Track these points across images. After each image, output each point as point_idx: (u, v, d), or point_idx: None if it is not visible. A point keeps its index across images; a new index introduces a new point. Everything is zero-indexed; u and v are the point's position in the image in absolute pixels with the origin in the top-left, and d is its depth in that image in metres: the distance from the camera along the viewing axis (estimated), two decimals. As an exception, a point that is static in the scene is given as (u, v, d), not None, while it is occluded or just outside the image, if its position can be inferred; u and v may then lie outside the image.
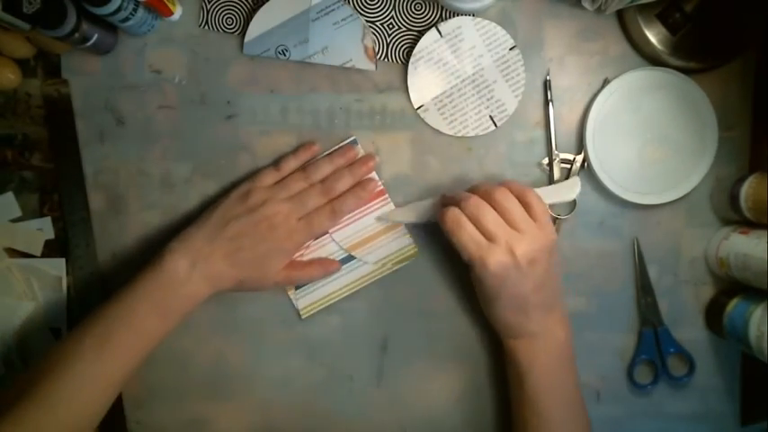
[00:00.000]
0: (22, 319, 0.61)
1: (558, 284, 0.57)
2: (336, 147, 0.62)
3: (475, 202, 0.54)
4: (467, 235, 0.53)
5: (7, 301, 0.61)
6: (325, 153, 0.62)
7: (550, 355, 0.56)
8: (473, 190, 0.56)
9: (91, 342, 0.53)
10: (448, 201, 0.57)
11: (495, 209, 0.53)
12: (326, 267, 0.61)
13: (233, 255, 0.56)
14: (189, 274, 0.55)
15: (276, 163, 0.61)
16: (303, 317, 0.63)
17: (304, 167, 0.61)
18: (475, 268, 0.54)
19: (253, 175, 0.60)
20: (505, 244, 0.53)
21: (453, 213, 0.54)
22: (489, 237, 0.53)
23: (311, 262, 0.61)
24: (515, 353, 0.56)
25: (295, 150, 0.61)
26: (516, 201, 0.54)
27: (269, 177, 0.59)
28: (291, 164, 0.60)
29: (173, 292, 0.55)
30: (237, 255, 0.56)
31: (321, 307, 0.63)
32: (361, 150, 0.62)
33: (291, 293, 0.62)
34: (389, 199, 0.62)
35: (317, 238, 0.62)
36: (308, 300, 0.62)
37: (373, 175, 0.62)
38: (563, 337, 0.57)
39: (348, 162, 0.61)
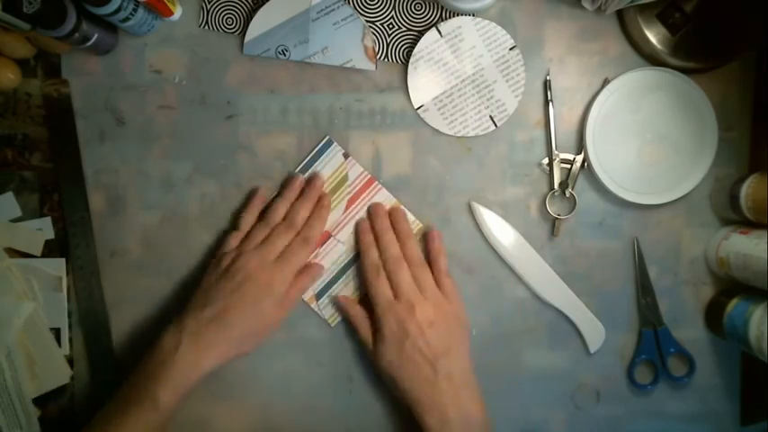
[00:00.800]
0: (22, 319, 0.61)
1: (469, 362, 0.58)
2: (295, 177, 0.62)
3: (395, 257, 0.59)
4: (380, 287, 0.58)
5: (7, 301, 0.61)
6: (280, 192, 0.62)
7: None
8: (393, 224, 0.61)
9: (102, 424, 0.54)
10: (368, 238, 0.61)
11: (410, 267, 0.59)
12: (312, 274, 0.62)
13: (221, 318, 0.56)
14: (179, 350, 0.55)
15: (235, 224, 0.61)
16: (332, 324, 0.63)
17: (261, 216, 0.61)
18: (379, 324, 0.58)
19: (219, 245, 0.61)
20: (407, 302, 0.57)
21: (374, 262, 0.60)
22: (396, 294, 0.58)
23: (295, 280, 0.60)
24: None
25: (246, 204, 0.62)
26: (428, 269, 0.60)
27: (233, 240, 0.60)
28: (249, 219, 0.61)
29: (170, 370, 0.54)
30: (226, 317, 0.56)
31: None
32: (339, 153, 0.62)
33: (314, 305, 0.63)
34: (380, 185, 0.62)
35: (321, 246, 0.62)
36: (331, 308, 0.63)
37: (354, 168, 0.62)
38: (480, 419, 0.56)
39: (298, 190, 0.61)
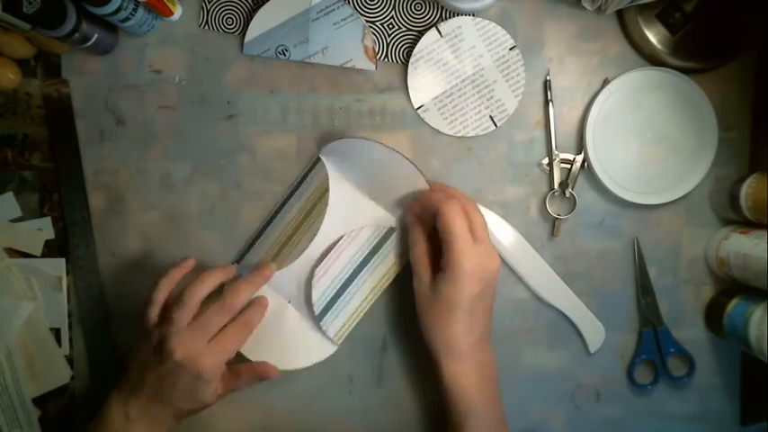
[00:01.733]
0: (22, 319, 0.61)
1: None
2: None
3: (470, 202, 0.56)
4: (460, 227, 0.53)
5: (7, 301, 0.61)
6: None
7: (490, 381, 0.56)
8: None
9: None
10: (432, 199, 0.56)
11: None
12: (263, 373, 0.59)
13: (159, 396, 0.54)
14: (126, 423, 0.54)
15: (154, 293, 0.56)
16: (338, 343, 0.61)
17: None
18: (449, 267, 0.53)
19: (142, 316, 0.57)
20: (485, 249, 0.54)
21: (454, 202, 0.54)
22: (475, 238, 0.54)
23: (246, 371, 0.58)
24: (457, 381, 0.55)
25: (167, 273, 0.57)
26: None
27: (152, 314, 0.56)
28: (165, 290, 0.56)
29: None
30: (163, 395, 0.54)
31: (350, 328, 0.61)
32: (325, 173, 0.61)
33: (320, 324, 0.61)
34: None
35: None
36: (336, 325, 0.61)
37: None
38: (495, 366, 0.57)
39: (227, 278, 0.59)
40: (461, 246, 0.53)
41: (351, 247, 0.61)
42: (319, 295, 0.60)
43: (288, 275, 0.61)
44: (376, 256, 0.61)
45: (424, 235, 0.57)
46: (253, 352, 0.60)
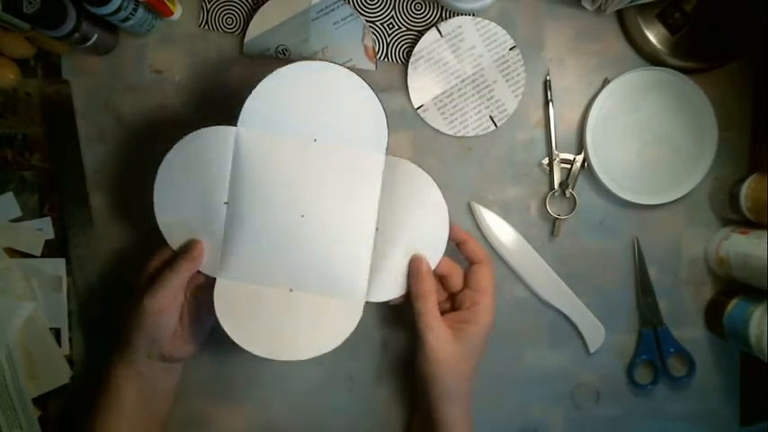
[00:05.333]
0: (22, 319, 0.61)
1: None
2: None
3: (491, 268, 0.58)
4: (493, 281, 0.57)
5: (7, 301, 0.61)
6: None
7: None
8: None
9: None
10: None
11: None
12: (189, 253, 0.55)
13: (131, 345, 0.56)
14: (117, 381, 0.57)
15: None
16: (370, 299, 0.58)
17: None
18: (480, 320, 0.56)
19: None
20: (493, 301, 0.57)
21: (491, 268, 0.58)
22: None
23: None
24: (454, 424, 0.56)
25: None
26: None
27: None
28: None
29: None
30: (131, 340, 0.56)
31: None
32: None
33: None
34: None
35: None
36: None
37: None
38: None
39: None
40: (492, 301, 0.56)
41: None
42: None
43: (276, 264, 0.56)
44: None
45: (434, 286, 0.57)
46: (287, 352, 0.56)
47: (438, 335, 0.55)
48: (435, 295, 0.56)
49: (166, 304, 0.54)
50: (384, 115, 0.55)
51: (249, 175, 0.54)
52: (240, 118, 0.53)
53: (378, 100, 0.54)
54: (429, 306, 0.55)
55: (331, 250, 0.56)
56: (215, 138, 0.54)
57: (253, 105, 0.53)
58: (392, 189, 0.56)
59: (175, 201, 0.55)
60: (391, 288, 0.56)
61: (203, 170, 0.54)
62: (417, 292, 0.55)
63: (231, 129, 0.53)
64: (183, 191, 0.55)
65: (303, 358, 0.55)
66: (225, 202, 0.55)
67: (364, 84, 0.54)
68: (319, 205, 0.55)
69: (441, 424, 0.56)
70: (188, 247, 0.55)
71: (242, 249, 0.55)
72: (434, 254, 0.56)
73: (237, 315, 0.55)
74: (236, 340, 0.54)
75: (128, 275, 0.63)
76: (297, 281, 0.56)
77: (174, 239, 0.55)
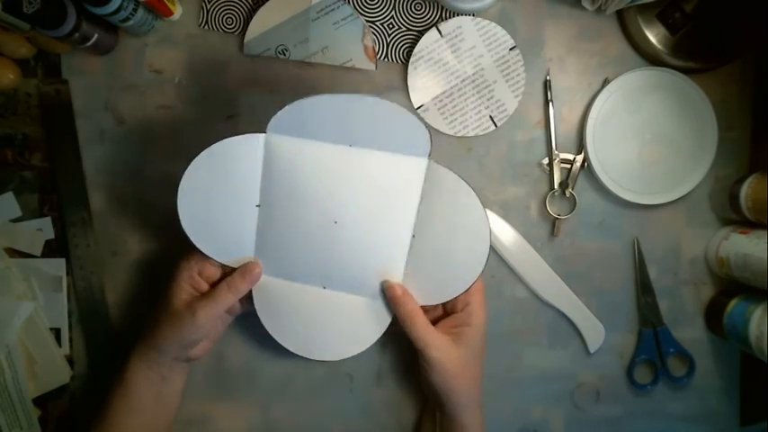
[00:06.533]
0: (22, 319, 0.61)
1: None
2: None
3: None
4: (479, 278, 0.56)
5: (7, 301, 0.61)
6: None
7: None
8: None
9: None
10: None
11: None
12: (248, 275, 0.56)
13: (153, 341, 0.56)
14: (127, 375, 0.57)
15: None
16: None
17: None
18: (474, 320, 0.56)
19: None
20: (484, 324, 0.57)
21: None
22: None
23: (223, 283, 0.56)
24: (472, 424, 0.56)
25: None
26: None
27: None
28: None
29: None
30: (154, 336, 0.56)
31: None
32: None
33: None
34: None
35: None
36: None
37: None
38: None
39: None
40: (483, 299, 0.56)
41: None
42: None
43: (309, 265, 0.56)
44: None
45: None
46: (319, 351, 0.57)
47: (439, 346, 0.54)
48: (421, 312, 0.55)
49: (217, 318, 0.56)
50: (423, 123, 0.53)
51: (280, 180, 0.54)
52: (270, 124, 0.53)
53: (419, 119, 0.53)
54: (419, 325, 0.55)
55: (365, 255, 0.55)
56: (243, 144, 0.54)
57: (285, 115, 0.52)
58: (431, 196, 0.54)
59: (202, 204, 0.55)
60: (423, 294, 0.56)
61: (232, 174, 0.54)
62: (402, 315, 0.55)
63: (260, 135, 0.53)
64: (210, 195, 0.55)
65: (335, 359, 0.57)
66: (257, 205, 0.55)
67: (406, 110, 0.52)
68: (354, 212, 0.54)
69: (461, 429, 0.56)
70: (247, 270, 0.56)
71: (275, 250, 0.56)
72: (476, 265, 0.54)
73: (273, 310, 0.57)
74: (272, 334, 0.57)
75: (128, 275, 0.63)
76: (330, 280, 0.56)
77: (200, 240, 0.55)
